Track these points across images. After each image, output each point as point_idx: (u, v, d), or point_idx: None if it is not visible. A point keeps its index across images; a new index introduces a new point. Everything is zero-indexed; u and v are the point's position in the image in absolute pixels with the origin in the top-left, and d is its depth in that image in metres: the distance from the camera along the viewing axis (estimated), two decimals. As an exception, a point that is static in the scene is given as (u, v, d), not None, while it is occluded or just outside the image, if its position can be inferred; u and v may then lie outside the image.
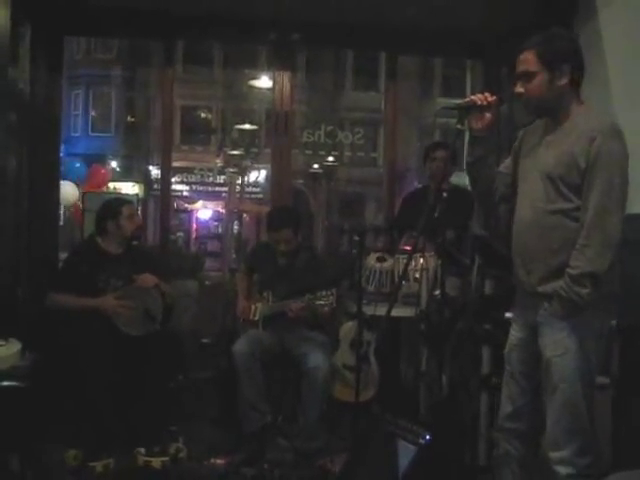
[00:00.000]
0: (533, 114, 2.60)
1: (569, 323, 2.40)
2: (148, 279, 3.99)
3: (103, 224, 4.08)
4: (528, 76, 2.47)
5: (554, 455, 2.46)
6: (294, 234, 4.21)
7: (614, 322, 3.16)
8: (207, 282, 7.09)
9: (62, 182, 9.80)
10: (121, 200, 4.26)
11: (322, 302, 3.95)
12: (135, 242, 4.20)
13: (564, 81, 2.45)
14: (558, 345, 2.43)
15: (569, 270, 2.37)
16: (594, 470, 2.46)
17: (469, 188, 2.95)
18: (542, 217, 2.47)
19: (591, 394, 2.47)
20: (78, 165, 11.84)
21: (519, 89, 2.51)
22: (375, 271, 4.24)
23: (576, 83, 2.49)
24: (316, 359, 3.94)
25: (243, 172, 16.89)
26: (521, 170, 2.62)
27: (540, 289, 2.49)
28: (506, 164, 2.75)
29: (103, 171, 11.78)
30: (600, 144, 2.35)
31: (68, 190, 9.77)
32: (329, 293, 3.94)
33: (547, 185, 2.46)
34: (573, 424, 2.43)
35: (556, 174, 2.43)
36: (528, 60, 2.46)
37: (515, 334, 2.67)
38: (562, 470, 2.43)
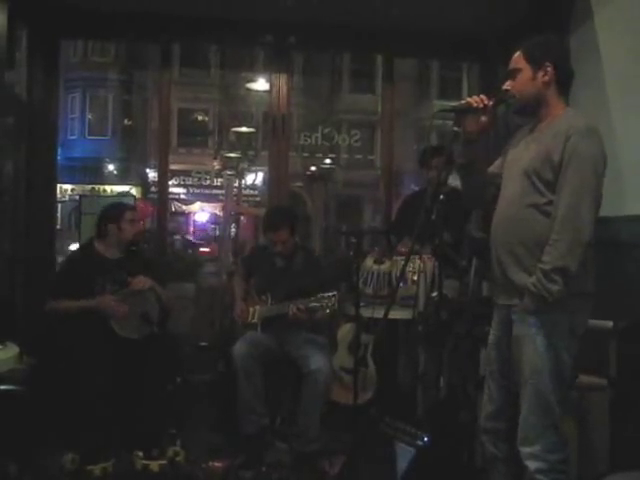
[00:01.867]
0: (517, 111, 2.68)
1: (539, 319, 2.45)
2: (142, 281, 3.99)
3: (104, 227, 4.07)
4: (514, 73, 2.61)
5: (525, 450, 2.49)
6: (291, 234, 4.21)
7: (610, 323, 3.20)
8: (204, 285, 7.08)
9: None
10: (125, 204, 4.26)
11: (324, 304, 3.94)
12: (134, 248, 4.18)
13: (546, 78, 2.56)
14: (528, 341, 2.48)
15: (541, 265, 2.42)
16: (565, 466, 2.50)
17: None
18: (517, 211, 2.55)
19: (563, 390, 2.51)
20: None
21: (506, 85, 2.64)
22: (372, 273, 4.24)
23: (560, 84, 2.58)
24: (317, 361, 3.93)
25: (240, 175, 16.87)
26: (506, 168, 2.70)
27: (511, 282, 2.55)
28: (496, 164, 2.81)
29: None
30: (575, 142, 2.42)
31: None
32: (331, 295, 3.93)
33: (524, 180, 2.54)
34: (543, 420, 2.47)
35: (531, 169, 2.51)
36: (516, 59, 2.61)
37: (493, 332, 2.73)
38: (531, 465, 2.47)
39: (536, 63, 2.55)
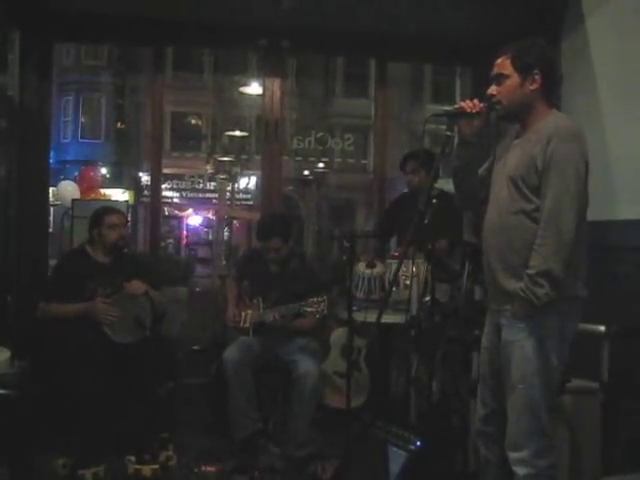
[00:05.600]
0: (502, 117, 2.67)
1: (528, 324, 2.45)
2: (137, 286, 3.98)
3: (90, 232, 4.08)
4: (501, 78, 2.58)
5: (513, 455, 2.50)
6: (284, 242, 4.19)
7: (603, 327, 3.21)
8: (197, 289, 7.09)
9: (63, 182, 9.80)
10: (107, 209, 4.20)
11: (314, 309, 3.94)
12: (125, 250, 4.17)
13: (534, 86, 2.54)
14: (517, 346, 2.48)
15: (527, 270, 2.43)
16: (553, 471, 2.50)
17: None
18: (506, 218, 2.55)
19: (551, 396, 2.51)
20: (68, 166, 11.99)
21: (491, 90, 2.61)
22: (364, 277, 4.24)
23: (546, 90, 2.58)
24: (306, 365, 3.94)
25: (233, 179, 16.88)
26: (493, 174, 2.70)
27: (502, 288, 2.55)
28: (485, 167, 2.81)
29: (92, 174, 11.82)
30: (554, 146, 2.42)
31: (69, 189, 9.74)
32: (320, 300, 3.93)
33: (510, 187, 2.54)
34: (532, 425, 2.47)
35: (517, 175, 2.51)
36: (502, 64, 2.58)
37: (485, 337, 2.74)
38: (520, 470, 2.47)
39: (524, 70, 2.53)
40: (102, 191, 18.56)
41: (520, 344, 2.47)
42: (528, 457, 2.46)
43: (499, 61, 2.59)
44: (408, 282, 3.95)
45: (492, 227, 2.62)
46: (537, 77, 2.53)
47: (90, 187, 10.73)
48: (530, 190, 2.49)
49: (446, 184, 4.42)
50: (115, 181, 21.01)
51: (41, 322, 3.90)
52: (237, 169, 17.47)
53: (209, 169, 19.53)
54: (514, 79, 2.55)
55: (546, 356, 2.46)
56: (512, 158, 2.58)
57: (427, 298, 3.68)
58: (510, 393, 2.51)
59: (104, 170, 21.37)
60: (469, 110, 2.62)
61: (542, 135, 2.47)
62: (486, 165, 2.80)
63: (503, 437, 2.56)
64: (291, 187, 18.25)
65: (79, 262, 4.02)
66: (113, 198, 16.99)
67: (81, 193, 10.23)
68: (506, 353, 2.53)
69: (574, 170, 2.43)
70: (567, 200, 2.41)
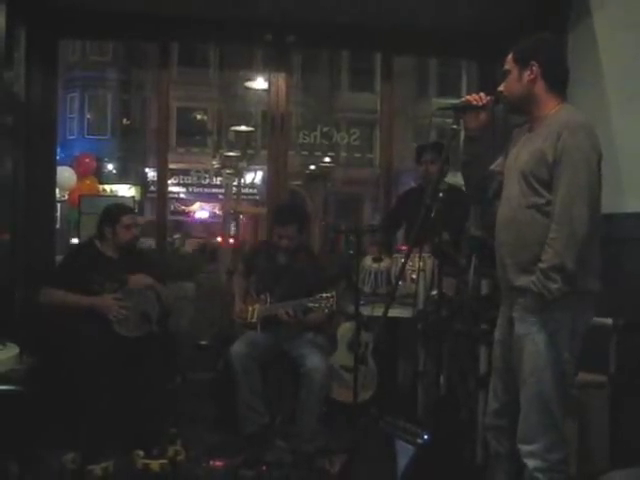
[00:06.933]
0: (511, 111, 2.73)
1: (540, 318, 2.45)
2: (141, 279, 3.99)
3: (101, 229, 4.07)
4: (506, 74, 2.63)
5: (524, 448, 2.50)
6: (298, 232, 4.22)
7: (610, 320, 3.20)
8: (204, 284, 7.08)
9: (60, 167, 9.80)
10: (123, 208, 4.22)
11: (322, 305, 3.93)
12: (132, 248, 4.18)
13: (531, 77, 2.56)
14: (528, 340, 2.48)
15: (540, 264, 2.43)
16: (565, 466, 2.50)
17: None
18: (517, 213, 2.56)
19: (563, 390, 2.50)
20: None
21: (500, 87, 2.67)
22: (370, 272, 4.24)
23: (549, 82, 2.58)
24: (314, 360, 3.94)
25: (239, 174, 16.88)
26: (506, 169, 2.70)
27: (513, 284, 2.55)
28: (498, 162, 2.81)
29: (87, 159, 11.74)
30: (566, 139, 2.42)
31: (66, 175, 9.63)
32: (329, 296, 3.93)
33: (521, 181, 2.55)
34: (543, 419, 2.47)
35: (528, 170, 2.52)
36: (507, 60, 2.64)
37: (498, 331, 2.74)
38: (530, 463, 2.47)
39: (522, 63, 2.57)
40: (108, 187, 18.60)
41: (531, 338, 2.47)
42: (539, 450, 2.46)
43: (507, 58, 2.64)
44: (415, 276, 3.95)
45: (504, 222, 2.62)
46: (534, 68, 2.55)
47: (86, 172, 10.63)
48: (541, 184, 2.49)
49: (451, 177, 4.44)
50: (121, 177, 21.06)
51: (49, 317, 3.91)
52: (243, 164, 17.46)
53: (215, 164, 19.56)
54: (514, 72, 2.60)
55: (557, 350, 2.45)
56: (523, 153, 2.59)
57: (434, 292, 3.68)
58: (522, 386, 2.51)
59: (110, 166, 21.43)
60: (475, 103, 2.65)
61: (552, 129, 2.48)
62: (499, 161, 2.81)
63: (515, 430, 2.56)
64: (297, 182, 18.23)
65: (88, 255, 4.03)
66: (119, 194, 17.05)
67: (77, 179, 10.23)
68: (518, 347, 2.53)
69: (585, 163, 2.42)
70: (579, 193, 2.40)
